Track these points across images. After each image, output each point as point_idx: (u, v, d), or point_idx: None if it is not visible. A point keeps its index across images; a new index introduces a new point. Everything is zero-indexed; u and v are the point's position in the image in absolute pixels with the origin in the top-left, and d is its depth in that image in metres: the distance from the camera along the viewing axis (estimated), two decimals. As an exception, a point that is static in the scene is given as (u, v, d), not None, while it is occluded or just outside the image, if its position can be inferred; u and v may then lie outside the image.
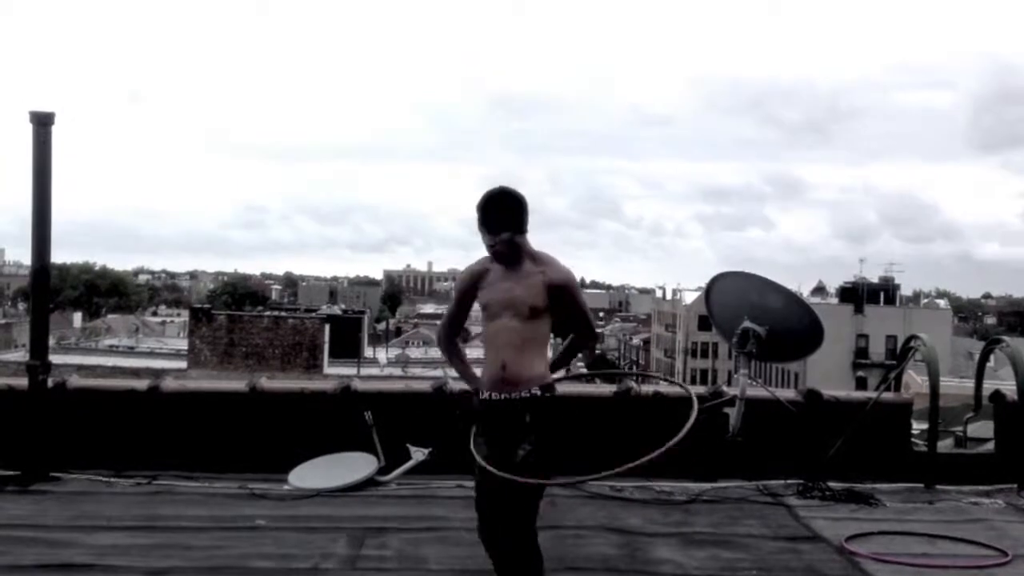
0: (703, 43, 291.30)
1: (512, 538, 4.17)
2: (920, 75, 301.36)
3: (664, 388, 8.33)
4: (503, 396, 4.21)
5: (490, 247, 4.25)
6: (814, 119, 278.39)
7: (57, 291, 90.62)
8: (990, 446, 8.30)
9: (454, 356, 4.64)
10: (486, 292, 4.31)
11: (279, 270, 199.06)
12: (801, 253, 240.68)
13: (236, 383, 8.13)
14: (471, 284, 4.38)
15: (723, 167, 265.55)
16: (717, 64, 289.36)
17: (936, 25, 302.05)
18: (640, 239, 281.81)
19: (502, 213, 4.21)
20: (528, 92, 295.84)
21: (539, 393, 4.21)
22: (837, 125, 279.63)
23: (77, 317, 78.41)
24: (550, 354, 4.51)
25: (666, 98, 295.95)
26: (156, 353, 42.34)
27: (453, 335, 4.65)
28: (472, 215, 4.23)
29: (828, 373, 48.02)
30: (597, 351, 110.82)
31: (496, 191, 4.25)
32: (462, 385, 4.93)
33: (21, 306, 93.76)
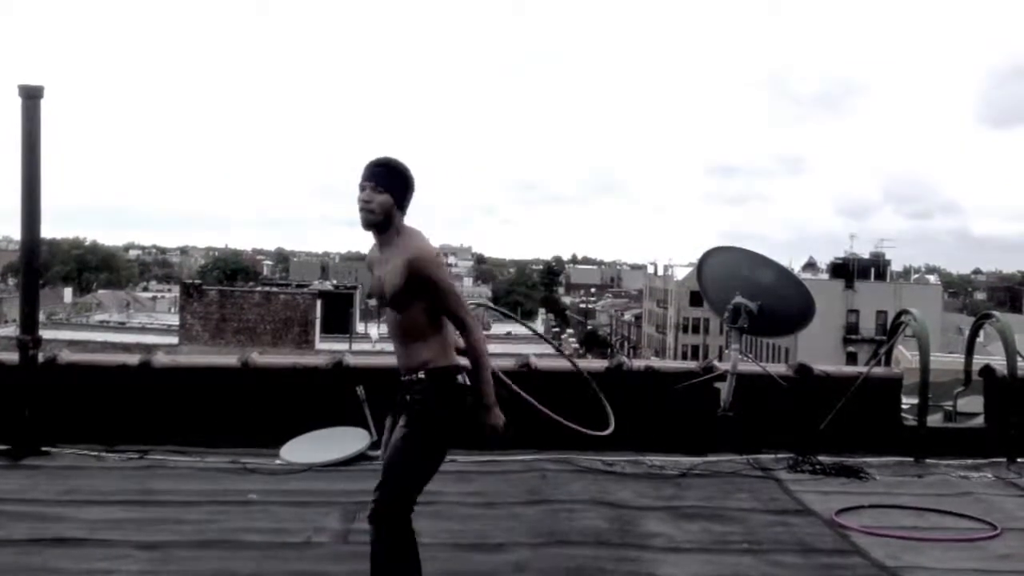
0: (715, 14, 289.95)
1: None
2: (933, 51, 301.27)
3: (656, 363, 8.35)
4: (401, 377, 4.06)
5: (362, 205, 3.93)
6: (824, 94, 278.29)
7: (47, 266, 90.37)
8: (980, 420, 8.34)
9: None
10: (370, 282, 4.18)
11: (270, 245, 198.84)
12: (800, 229, 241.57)
13: (228, 358, 8.12)
14: (369, 272, 4.21)
15: (728, 142, 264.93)
16: (727, 37, 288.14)
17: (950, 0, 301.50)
18: (641, 214, 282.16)
19: (381, 169, 3.97)
20: (534, 60, 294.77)
21: (423, 377, 3.95)
22: (846, 100, 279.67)
23: (67, 292, 78.29)
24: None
25: (674, 70, 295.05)
26: (147, 328, 42.23)
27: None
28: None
29: (819, 348, 48.11)
30: (588, 327, 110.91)
31: (382, 156, 4.03)
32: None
33: (11, 281, 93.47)
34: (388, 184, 3.94)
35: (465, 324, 3.97)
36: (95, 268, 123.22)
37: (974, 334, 8.86)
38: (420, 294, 3.91)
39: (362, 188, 3.95)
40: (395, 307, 3.97)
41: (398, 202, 3.96)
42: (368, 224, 3.97)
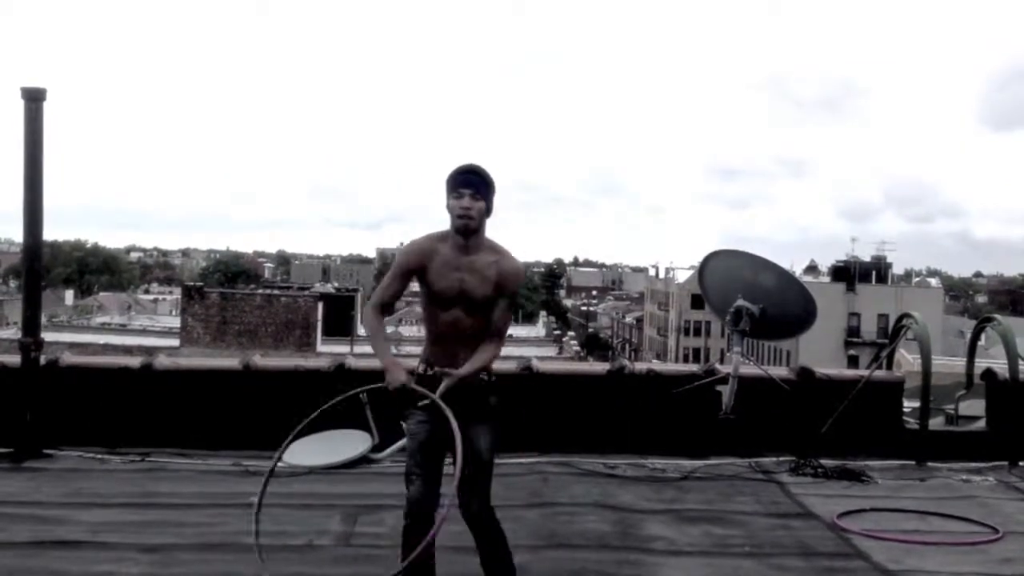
0: (716, 16, 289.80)
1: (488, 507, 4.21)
2: (935, 53, 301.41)
3: (658, 366, 8.35)
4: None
5: (463, 211, 4.00)
6: (825, 96, 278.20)
7: (49, 269, 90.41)
8: (981, 424, 8.34)
9: (380, 334, 4.39)
10: (434, 278, 4.09)
11: (272, 248, 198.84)
12: (801, 232, 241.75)
13: (229, 360, 8.13)
14: (417, 263, 4.12)
15: (729, 144, 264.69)
16: (727, 39, 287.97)
17: (952, 2, 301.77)
18: (642, 216, 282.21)
19: (477, 177, 4.05)
20: (534, 60, 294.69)
21: (495, 380, 4.19)
22: (848, 103, 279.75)
23: (69, 295, 78.28)
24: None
25: (675, 71, 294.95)
26: (148, 331, 42.31)
27: (385, 314, 4.35)
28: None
29: (820, 351, 48.10)
30: (590, 329, 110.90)
31: (471, 164, 4.11)
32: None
33: (12, 284, 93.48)
34: (483, 191, 4.07)
35: (502, 335, 4.20)
36: (96, 270, 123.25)
37: (975, 337, 8.86)
38: (497, 303, 4.12)
39: (459, 195, 4.03)
40: (473, 311, 4.09)
41: (489, 209, 4.11)
42: (466, 230, 4.06)
